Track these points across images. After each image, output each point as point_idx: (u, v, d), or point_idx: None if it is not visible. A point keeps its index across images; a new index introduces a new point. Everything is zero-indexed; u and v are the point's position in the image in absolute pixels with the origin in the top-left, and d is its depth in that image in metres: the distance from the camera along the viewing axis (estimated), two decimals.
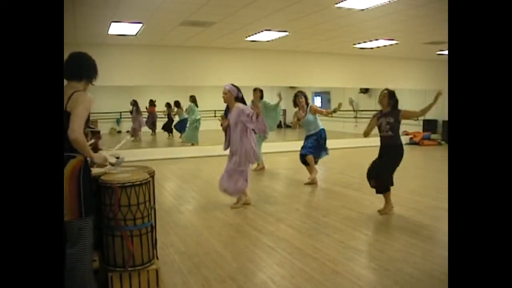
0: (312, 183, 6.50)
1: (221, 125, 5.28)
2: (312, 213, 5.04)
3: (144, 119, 14.34)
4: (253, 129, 5.01)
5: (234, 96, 4.98)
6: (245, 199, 5.27)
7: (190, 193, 6.27)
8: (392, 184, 4.71)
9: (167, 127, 14.33)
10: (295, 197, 5.84)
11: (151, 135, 14.75)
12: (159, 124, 14.64)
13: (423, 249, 3.67)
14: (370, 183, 4.79)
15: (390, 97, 4.69)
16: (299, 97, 6.52)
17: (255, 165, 7.62)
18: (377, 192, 4.80)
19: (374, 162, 4.79)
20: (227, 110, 5.23)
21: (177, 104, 13.35)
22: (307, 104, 6.56)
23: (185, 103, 12.69)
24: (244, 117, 4.84)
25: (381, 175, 4.65)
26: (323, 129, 6.55)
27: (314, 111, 6.54)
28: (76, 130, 2.34)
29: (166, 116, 14.52)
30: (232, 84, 5.07)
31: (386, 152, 4.68)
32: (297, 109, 6.60)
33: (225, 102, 5.10)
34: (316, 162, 6.58)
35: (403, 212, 4.82)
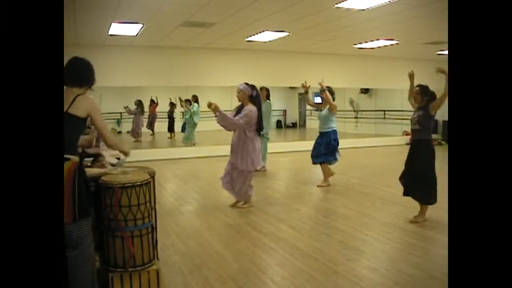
0: (325, 185, 6.48)
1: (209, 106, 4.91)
2: (313, 214, 5.04)
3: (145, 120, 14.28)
4: (257, 130, 4.99)
5: (248, 95, 4.94)
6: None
7: (190, 194, 6.27)
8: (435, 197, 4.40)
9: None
10: (296, 198, 5.83)
11: (150, 135, 14.69)
12: (161, 124, 14.53)
13: (424, 249, 3.67)
14: (414, 197, 4.52)
15: (422, 93, 4.35)
16: (325, 92, 6.30)
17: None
18: (424, 203, 4.46)
19: (405, 173, 4.53)
20: (240, 109, 5.08)
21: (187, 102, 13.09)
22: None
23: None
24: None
25: (422, 182, 4.34)
26: (334, 130, 6.30)
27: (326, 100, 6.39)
28: (111, 137, 2.66)
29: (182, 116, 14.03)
30: (246, 83, 5.01)
31: (413, 149, 4.46)
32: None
33: (239, 101, 5.05)
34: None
35: (403, 212, 4.81)
